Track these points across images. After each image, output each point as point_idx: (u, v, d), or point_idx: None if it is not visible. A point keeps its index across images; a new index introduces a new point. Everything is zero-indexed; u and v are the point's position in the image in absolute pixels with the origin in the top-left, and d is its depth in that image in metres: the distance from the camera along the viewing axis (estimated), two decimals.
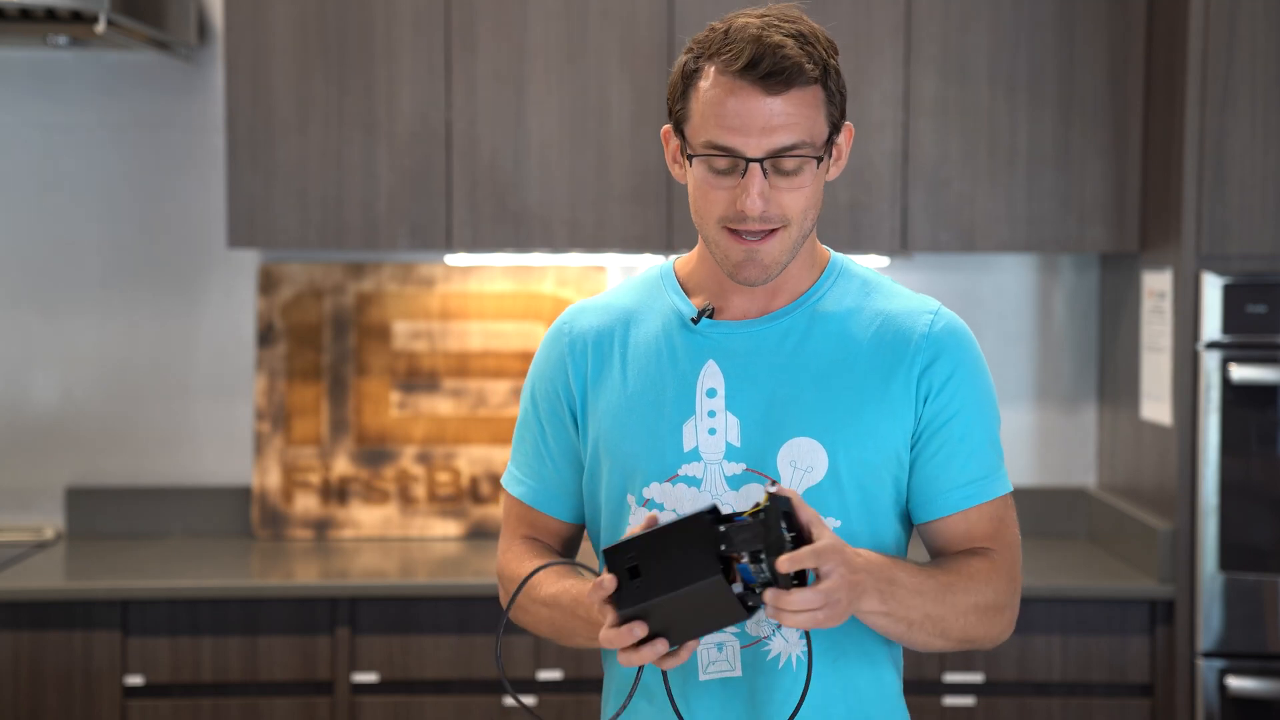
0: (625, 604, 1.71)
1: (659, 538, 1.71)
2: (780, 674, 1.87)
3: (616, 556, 1.72)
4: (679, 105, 1.88)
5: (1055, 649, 3.56)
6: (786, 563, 1.67)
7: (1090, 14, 3.75)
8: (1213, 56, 3.49)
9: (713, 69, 1.83)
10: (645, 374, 1.93)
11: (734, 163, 1.82)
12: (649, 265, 2.19)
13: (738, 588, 1.70)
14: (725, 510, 1.79)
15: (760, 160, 1.80)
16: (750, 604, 1.72)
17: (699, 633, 1.73)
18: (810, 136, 1.83)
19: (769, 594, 1.68)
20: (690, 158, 1.86)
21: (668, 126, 1.93)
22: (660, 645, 1.72)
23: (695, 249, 1.99)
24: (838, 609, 1.71)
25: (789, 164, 1.82)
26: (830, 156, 1.88)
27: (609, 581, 1.71)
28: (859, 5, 3.74)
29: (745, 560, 1.70)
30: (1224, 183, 3.51)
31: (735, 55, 1.81)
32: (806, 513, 1.72)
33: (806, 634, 1.79)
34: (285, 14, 3.73)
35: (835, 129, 1.88)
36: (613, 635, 1.72)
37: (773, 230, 1.84)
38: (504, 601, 1.98)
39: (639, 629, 1.71)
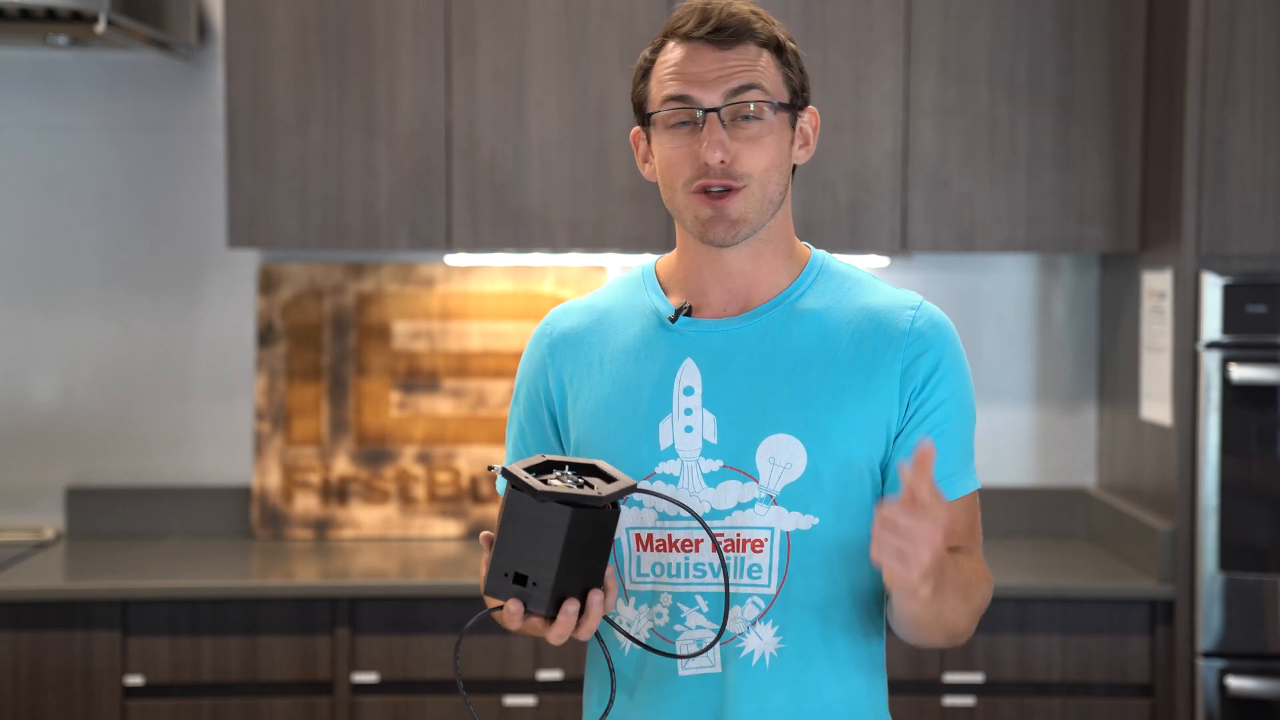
0: (537, 603, 1.74)
1: (505, 540, 1.75)
2: (754, 670, 1.86)
3: (495, 584, 1.75)
4: (640, 88, 1.93)
5: (1055, 649, 3.56)
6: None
7: (1090, 14, 3.75)
8: (1213, 56, 3.49)
9: (669, 42, 1.90)
10: (623, 374, 1.93)
11: (693, 116, 1.85)
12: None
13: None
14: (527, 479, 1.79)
15: (717, 109, 1.84)
16: (612, 504, 1.75)
17: (605, 559, 1.77)
18: (768, 87, 1.87)
19: (894, 503, 1.65)
20: (651, 122, 1.89)
21: (636, 129, 1.96)
22: (594, 597, 1.75)
23: (676, 249, 2.00)
24: (922, 565, 1.66)
25: (747, 111, 1.85)
26: (795, 129, 1.91)
27: (514, 607, 1.75)
28: (859, 5, 3.74)
29: (567, 485, 1.74)
30: (1224, 183, 3.51)
31: (685, 21, 1.89)
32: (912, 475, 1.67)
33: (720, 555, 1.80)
34: (285, 14, 3.74)
35: (797, 100, 1.91)
36: (559, 629, 1.75)
37: (736, 189, 1.85)
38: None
39: (570, 606, 1.74)
